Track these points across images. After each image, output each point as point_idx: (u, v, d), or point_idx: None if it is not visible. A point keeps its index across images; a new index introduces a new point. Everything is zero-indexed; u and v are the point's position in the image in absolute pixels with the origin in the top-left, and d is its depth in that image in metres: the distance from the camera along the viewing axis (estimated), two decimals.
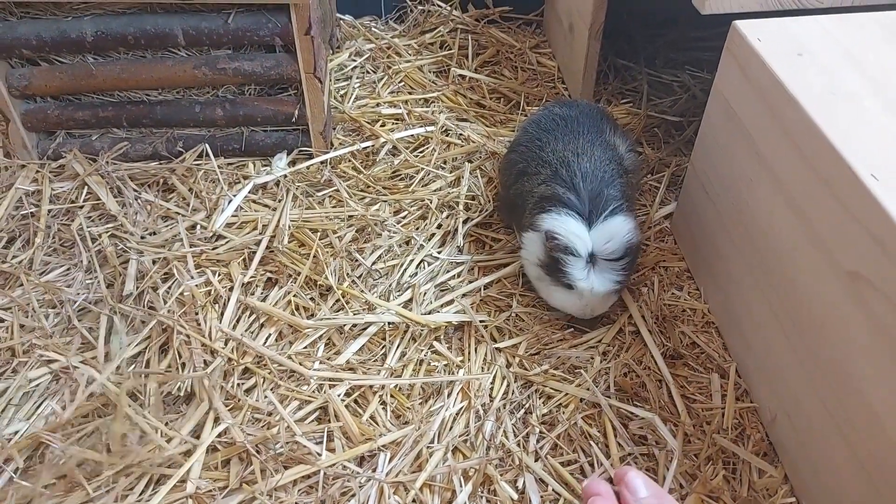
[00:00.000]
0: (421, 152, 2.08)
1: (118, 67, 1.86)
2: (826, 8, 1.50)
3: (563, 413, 1.44)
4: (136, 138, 2.00)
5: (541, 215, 1.54)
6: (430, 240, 1.80)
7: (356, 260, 1.71)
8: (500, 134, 2.15)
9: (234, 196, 1.85)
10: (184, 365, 1.47)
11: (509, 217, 1.82)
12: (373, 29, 2.60)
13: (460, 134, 2.13)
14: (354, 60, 2.44)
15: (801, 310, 1.25)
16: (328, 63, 2.38)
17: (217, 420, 1.40)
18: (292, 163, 2.01)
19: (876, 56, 1.32)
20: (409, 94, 2.31)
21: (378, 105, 2.24)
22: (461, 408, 1.44)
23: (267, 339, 1.56)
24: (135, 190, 1.89)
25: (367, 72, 2.42)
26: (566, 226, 1.47)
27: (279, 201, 1.86)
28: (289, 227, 1.76)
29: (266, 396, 1.44)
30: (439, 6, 2.63)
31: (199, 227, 1.78)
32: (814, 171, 1.18)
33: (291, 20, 1.78)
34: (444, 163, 2.04)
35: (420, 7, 2.64)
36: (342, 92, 2.31)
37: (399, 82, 2.37)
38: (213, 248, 1.72)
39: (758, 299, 1.41)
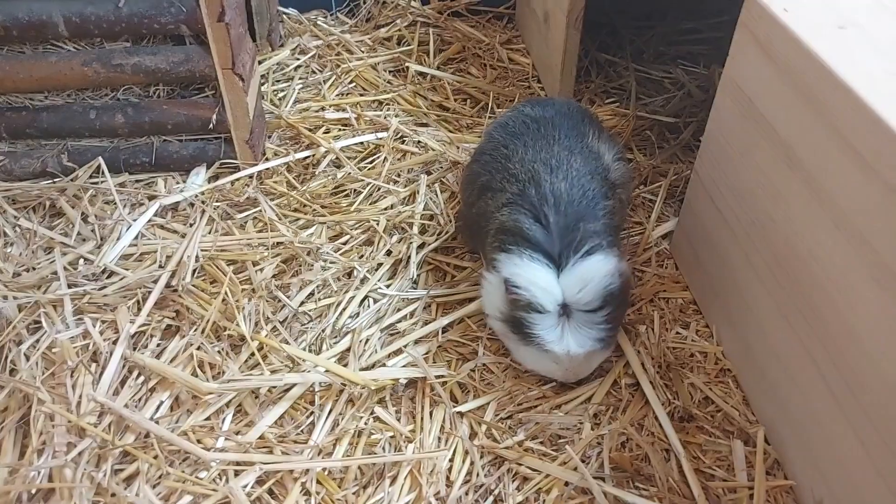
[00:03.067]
0: (370, 163, 1.74)
1: None
2: None
3: (545, 502, 1.10)
4: (21, 152, 1.64)
5: (500, 254, 1.20)
6: (376, 271, 1.45)
7: (279, 300, 1.36)
8: (465, 140, 1.81)
9: (135, 221, 1.49)
10: (42, 451, 1.11)
11: (473, 241, 1.47)
12: (320, 23, 2.26)
13: (417, 141, 1.79)
14: (298, 59, 2.10)
15: (860, 367, 0.92)
16: (261, 61, 2.04)
17: None
18: (214, 178, 1.66)
19: None
20: (361, 95, 1.97)
21: (323, 109, 1.90)
22: (409, 501, 1.09)
23: (158, 407, 1.20)
24: (14, 216, 1.53)
25: (313, 71, 2.08)
26: (528, 275, 1.14)
27: (191, 225, 1.51)
28: (198, 257, 1.41)
29: (145, 495, 1.08)
30: None
31: (83, 262, 1.42)
32: (878, 176, 0.85)
33: (199, 4, 1.44)
34: (398, 176, 1.70)
35: None
36: (281, 94, 1.97)
37: (349, 83, 2.03)
38: (101, 289, 1.36)
39: (796, 351, 1.08)
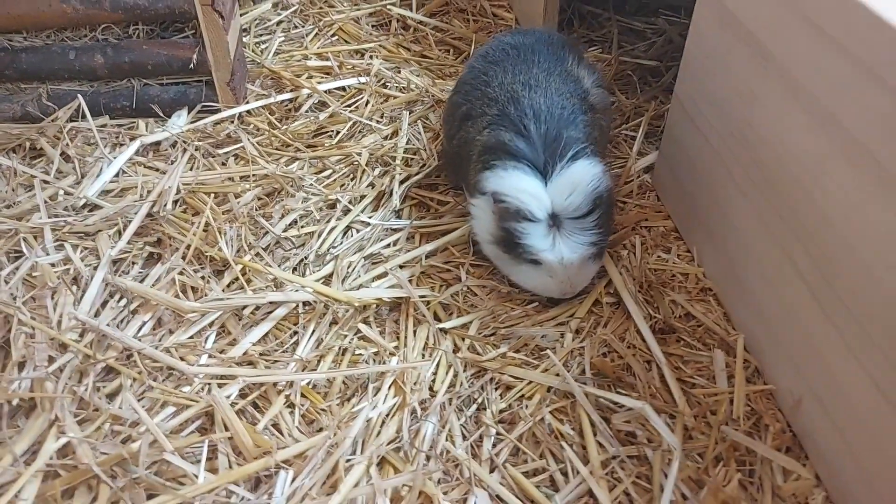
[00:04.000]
0: (353, 105, 1.74)
1: None
2: None
3: (527, 407, 1.10)
4: (0, 96, 1.62)
5: (483, 173, 1.20)
6: (359, 202, 1.45)
7: (261, 227, 1.35)
8: (447, 86, 1.81)
9: (115, 158, 1.48)
10: (22, 364, 1.10)
11: (456, 175, 1.48)
12: None
13: (399, 86, 1.79)
14: (279, 14, 2.10)
15: (837, 255, 0.93)
16: (245, 12, 2.03)
17: (61, 435, 1.03)
18: (195, 121, 1.65)
19: None
20: (343, 46, 1.97)
21: (305, 58, 1.89)
22: (393, 405, 1.10)
23: (140, 328, 1.19)
24: None
25: (295, 26, 2.07)
26: (514, 182, 1.14)
27: (172, 164, 1.50)
28: (179, 190, 1.40)
29: (130, 405, 1.07)
30: None
31: (63, 194, 1.41)
32: (853, 59, 0.86)
33: None
34: (381, 116, 1.70)
35: None
36: (263, 47, 1.96)
37: (332, 35, 2.02)
38: (82, 220, 1.35)
39: (772, 251, 1.09)
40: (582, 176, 1.13)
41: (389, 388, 1.12)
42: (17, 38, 1.59)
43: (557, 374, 1.13)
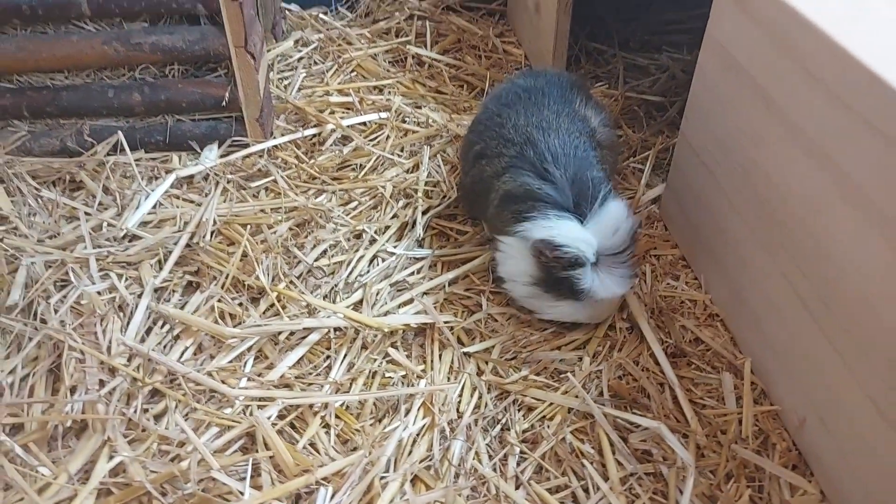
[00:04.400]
0: (374, 140, 1.83)
1: (13, 45, 1.58)
2: None
3: (549, 427, 1.18)
4: (40, 131, 1.72)
5: (522, 224, 1.25)
6: (383, 232, 1.53)
7: (295, 257, 1.44)
8: (463, 120, 1.91)
9: (153, 191, 1.57)
10: (74, 388, 1.18)
11: (472, 208, 1.56)
12: (322, 18, 2.36)
13: (418, 121, 1.89)
14: (300, 51, 2.20)
15: (837, 285, 1.01)
16: (268, 50, 2.14)
17: (113, 455, 1.10)
18: (225, 155, 1.74)
19: None
20: (362, 82, 2.07)
21: (327, 94, 1.99)
22: (423, 426, 1.17)
23: (183, 353, 1.27)
24: (35, 188, 1.60)
25: (315, 62, 2.17)
26: (565, 231, 1.20)
27: (206, 196, 1.59)
28: (215, 221, 1.48)
29: (177, 424, 1.14)
30: None
31: (106, 226, 1.49)
32: (846, 107, 0.95)
33: None
34: (401, 150, 1.79)
35: None
36: (286, 83, 2.06)
37: (350, 71, 2.13)
38: (124, 250, 1.43)
39: (775, 279, 1.17)
40: (620, 216, 1.23)
41: (419, 409, 1.19)
42: (58, 77, 1.68)
43: (577, 396, 1.21)
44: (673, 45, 2.26)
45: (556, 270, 1.22)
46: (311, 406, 1.19)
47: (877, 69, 0.89)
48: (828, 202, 1.01)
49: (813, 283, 1.07)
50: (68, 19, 1.58)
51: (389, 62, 2.19)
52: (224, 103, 1.70)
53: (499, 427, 1.18)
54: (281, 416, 1.19)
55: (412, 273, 1.46)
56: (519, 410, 1.21)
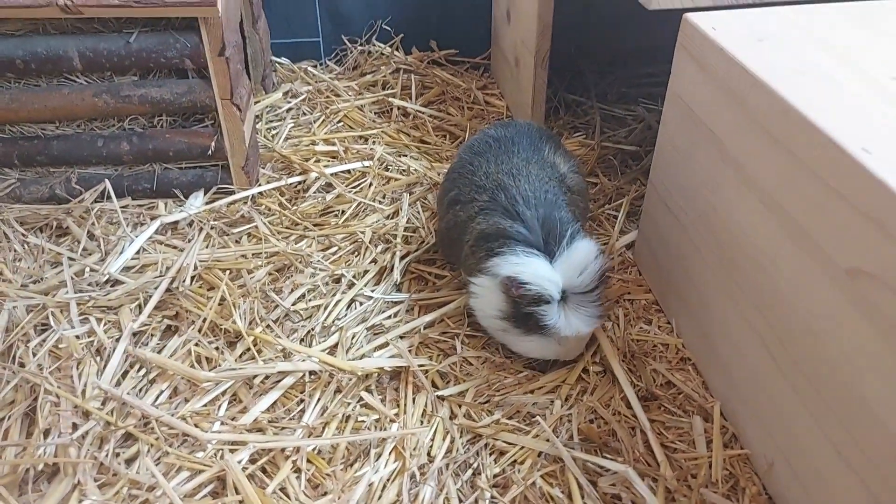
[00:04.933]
0: (357, 187, 1.88)
1: (7, 97, 1.64)
2: (784, 1, 1.37)
3: (519, 471, 1.18)
4: (30, 179, 1.76)
5: (492, 259, 1.30)
6: (362, 276, 1.56)
7: (272, 301, 1.46)
8: (444, 168, 1.96)
9: (137, 237, 1.61)
10: (48, 431, 1.19)
11: (448, 253, 1.60)
12: (310, 71, 2.45)
13: (400, 169, 1.94)
14: (289, 102, 2.28)
15: (791, 327, 1.04)
16: (258, 101, 2.21)
17: (83, 499, 1.10)
18: (210, 202, 1.78)
19: (845, 39, 1.18)
20: (348, 132, 2.13)
21: (312, 143, 2.05)
22: (393, 470, 1.17)
23: (158, 397, 1.28)
24: (22, 234, 1.63)
25: (303, 113, 2.24)
26: (531, 269, 1.24)
27: (189, 241, 1.62)
28: (196, 266, 1.51)
29: (148, 469, 1.15)
30: (380, 47, 2.51)
31: (89, 271, 1.52)
32: (791, 156, 1.00)
33: (202, 39, 1.60)
34: (383, 196, 1.84)
35: (361, 48, 2.51)
36: (274, 132, 2.13)
37: (337, 122, 2.19)
38: (105, 295, 1.46)
39: (738, 322, 1.20)
40: (588, 255, 1.26)
41: (390, 453, 1.20)
42: (49, 127, 1.74)
43: (547, 440, 1.21)
44: (649, 97, 2.34)
45: (523, 306, 1.25)
46: (282, 450, 1.20)
47: (817, 121, 0.94)
48: (780, 246, 1.05)
49: (771, 324, 1.10)
50: (60, 73, 1.65)
51: (375, 113, 2.26)
52: (210, 152, 1.75)
53: (470, 471, 1.19)
54: (252, 461, 1.19)
55: (389, 317, 1.48)
56: (490, 454, 1.21)
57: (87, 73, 1.66)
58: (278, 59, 2.48)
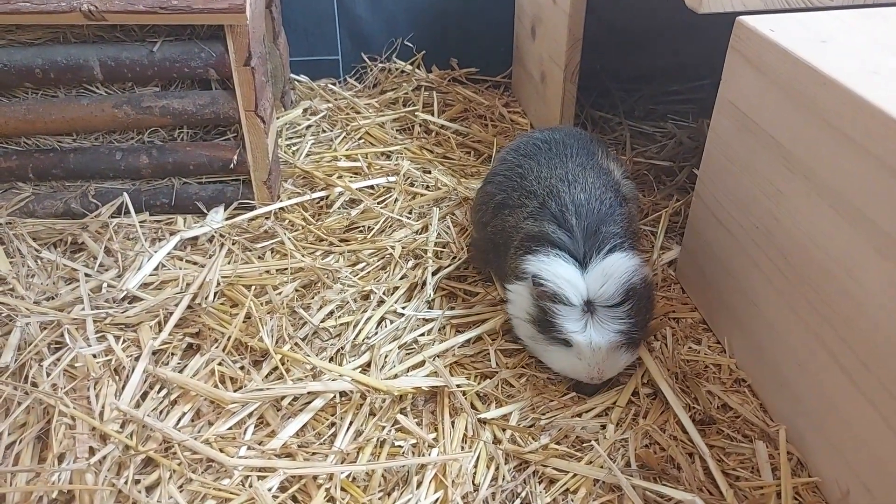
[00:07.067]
0: (382, 202, 1.81)
1: (23, 108, 1.59)
2: (838, 6, 1.31)
3: (573, 501, 1.09)
4: (44, 193, 1.70)
5: (525, 257, 1.27)
6: (392, 293, 1.48)
7: (300, 318, 1.38)
8: (471, 184, 1.90)
9: (156, 252, 1.53)
10: (63, 456, 1.10)
11: (486, 263, 1.53)
12: (331, 88, 2.40)
13: (426, 184, 1.87)
14: (308, 119, 2.22)
15: (876, 345, 0.96)
16: (277, 118, 2.16)
17: None
18: (231, 218, 1.71)
19: None
20: (370, 148, 2.07)
21: (334, 160, 1.99)
22: (436, 500, 1.08)
23: (180, 419, 1.19)
24: (35, 249, 1.56)
25: (324, 130, 2.19)
26: (553, 269, 1.21)
27: (210, 257, 1.55)
28: (218, 283, 1.44)
29: (171, 497, 1.06)
30: (401, 64, 2.47)
31: (106, 287, 1.44)
32: (873, 158, 0.92)
33: (228, 49, 1.55)
34: (410, 212, 1.77)
35: (381, 66, 2.47)
36: (294, 149, 2.07)
37: (358, 139, 2.14)
38: (123, 312, 1.38)
39: (805, 340, 1.12)
40: (616, 268, 1.19)
41: (431, 481, 1.11)
42: (66, 140, 1.68)
43: (602, 466, 1.12)
44: (677, 113, 2.29)
45: (540, 303, 1.21)
46: (314, 477, 1.11)
47: None
48: (860, 256, 0.97)
49: (847, 340, 1.02)
50: (80, 83, 1.59)
51: (397, 130, 2.21)
52: (232, 166, 1.69)
53: (518, 501, 1.09)
54: (283, 488, 1.10)
55: (422, 334, 1.40)
56: (540, 482, 1.12)
57: (107, 83, 1.61)
58: (297, 77, 2.44)
